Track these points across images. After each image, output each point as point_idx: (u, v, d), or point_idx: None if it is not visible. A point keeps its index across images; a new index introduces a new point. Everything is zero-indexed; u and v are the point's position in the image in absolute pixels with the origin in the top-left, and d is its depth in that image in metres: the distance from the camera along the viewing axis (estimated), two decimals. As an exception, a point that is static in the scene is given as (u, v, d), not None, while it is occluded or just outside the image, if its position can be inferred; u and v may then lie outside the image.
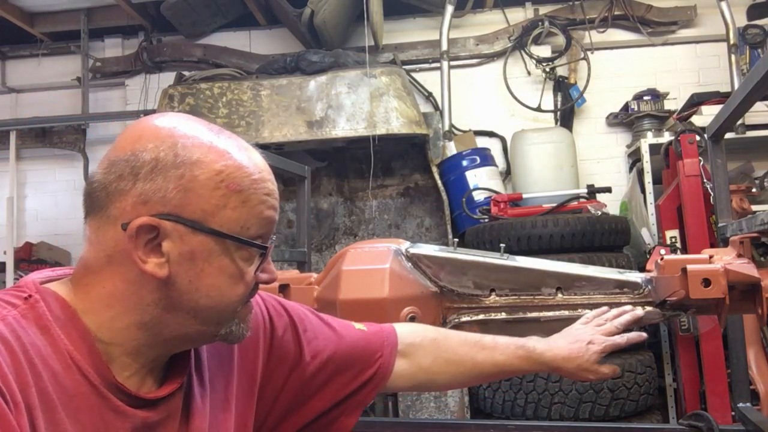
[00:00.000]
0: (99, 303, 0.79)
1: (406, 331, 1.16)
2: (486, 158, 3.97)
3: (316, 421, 1.05)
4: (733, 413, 2.41)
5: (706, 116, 3.51)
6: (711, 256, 1.31)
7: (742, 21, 3.96)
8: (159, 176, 0.77)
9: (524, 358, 1.17)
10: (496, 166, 4.03)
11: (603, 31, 4.24)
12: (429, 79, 4.30)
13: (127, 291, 0.79)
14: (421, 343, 1.15)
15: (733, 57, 3.86)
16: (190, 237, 0.78)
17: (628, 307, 1.31)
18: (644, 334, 1.28)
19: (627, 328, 1.27)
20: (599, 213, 3.26)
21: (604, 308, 1.32)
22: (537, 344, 1.19)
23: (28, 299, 0.77)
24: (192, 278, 0.79)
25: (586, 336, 1.22)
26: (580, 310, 1.38)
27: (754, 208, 3.31)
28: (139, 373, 0.82)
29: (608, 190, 3.50)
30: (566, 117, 4.24)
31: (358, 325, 1.13)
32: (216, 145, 0.81)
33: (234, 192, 0.79)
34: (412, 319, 1.38)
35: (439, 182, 3.90)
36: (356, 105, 3.71)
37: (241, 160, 0.81)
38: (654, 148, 3.67)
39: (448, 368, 1.16)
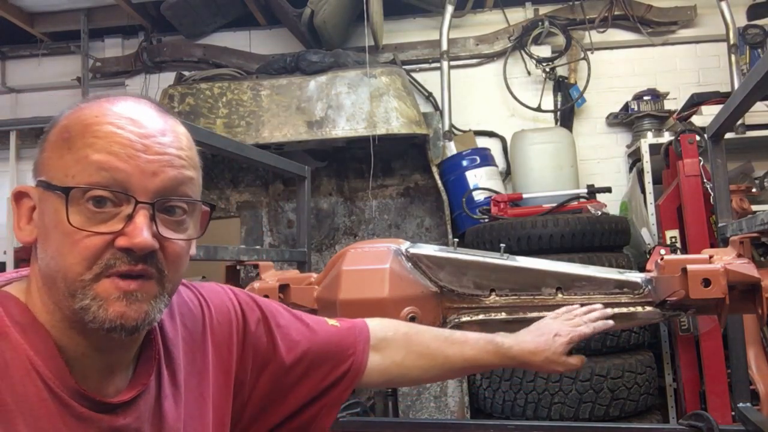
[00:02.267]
0: (36, 295, 0.77)
1: (378, 327, 1.17)
2: (486, 158, 3.97)
3: (293, 419, 1.04)
4: (733, 413, 2.41)
5: (706, 116, 3.51)
6: (711, 256, 1.31)
7: (742, 21, 3.96)
8: (42, 145, 0.78)
9: (493, 352, 1.19)
10: (496, 166, 4.02)
11: (603, 31, 4.24)
12: (429, 79, 4.30)
13: (40, 269, 0.76)
14: (393, 338, 1.16)
15: (733, 57, 3.86)
16: (42, 196, 0.76)
17: (598, 305, 1.32)
18: (610, 322, 1.29)
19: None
20: (599, 213, 3.26)
21: (575, 306, 1.33)
22: (505, 339, 1.21)
23: None
24: (43, 240, 0.75)
25: (553, 329, 1.24)
26: (580, 310, 1.38)
27: (754, 208, 3.31)
28: (103, 376, 0.78)
29: (608, 190, 3.50)
30: (566, 117, 4.24)
31: (331, 321, 1.12)
32: (85, 104, 0.78)
33: (64, 140, 0.75)
34: (412, 320, 1.38)
35: (439, 182, 3.89)
36: (356, 105, 3.71)
37: (90, 109, 0.77)
38: (654, 148, 3.67)
39: (420, 362, 1.17)
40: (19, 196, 0.78)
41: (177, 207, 0.78)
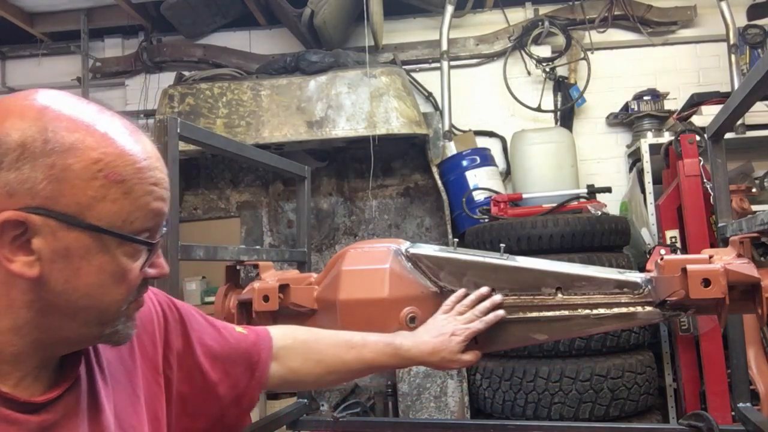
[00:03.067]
0: None
1: (279, 335, 1.19)
2: (486, 158, 3.97)
3: (216, 425, 1.06)
4: (733, 413, 2.41)
5: (706, 116, 3.51)
6: (711, 256, 1.31)
7: (742, 21, 3.96)
8: (26, 165, 0.68)
9: (391, 354, 1.23)
10: (496, 166, 4.02)
11: (603, 31, 4.24)
12: (429, 79, 4.30)
13: (37, 307, 0.72)
14: (292, 346, 1.18)
15: (733, 57, 3.86)
16: (64, 233, 0.70)
17: (485, 290, 1.36)
18: (501, 312, 1.33)
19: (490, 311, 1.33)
20: (599, 213, 3.26)
21: (462, 291, 1.37)
22: (404, 341, 1.25)
23: None
24: (68, 277, 0.72)
25: (449, 328, 1.28)
26: (580, 310, 1.38)
27: (754, 208, 3.31)
28: (26, 379, 0.76)
29: (608, 190, 3.50)
30: (566, 117, 4.24)
31: (239, 328, 1.15)
32: (95, 128, 0.72)
33: (114, 182, 0.71)
34: (412, 320, 1.38)
35: (439, 182, 3.89)
36: (356, 105, 3.71)
37: (124, 145, 0.73)
38: (654, 148, 3.67)
39: (318, 369, 1.20)
40: (10, 226, 0.69)
41: None
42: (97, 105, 0.77)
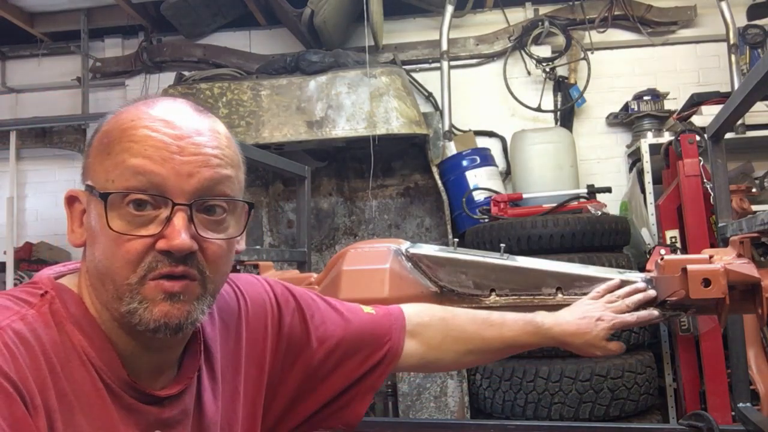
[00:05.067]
0: (86, 291, 0.80)
1: (414, 312, 1.16)
2: (486, 158, 3.97)
3: (327, 407, 1.04)
4: (733, 413, 2.41)
5: (706, 116, 3.51)
6: (711, 256, 1.31)
7: (742, 21, 3.96)
8: (89, 150, 0.80)
9: (532, 333, 1.18)
10: (496, 166, 4.02)
11: (603, 31, 4.24)
12: (429, 79, 4.30)
13: (88, 270, 0.80)
14: (430, 322, 1.15)
15: (733, 57, 3.86)
16: (87, 200, 0.79)
17: (641, 285, 1.30)
18: (655, 312, 1.27)
19: (638, 307, 1.27)
20: (599, 213, 3.26)
21: (616, 281, 1.32)
22: (545, 319, 1.20)
23: (44, 296, 0.76)
24: (90, 243, 0.79)
25: (596, 312, 1.22)
26: (580, 310, 1.38)
27: (754, 208, 3.31)
28: (151, 373, 0.81)
29: (608, 190, 3.50)
30: (566, 117, 4.24)
31: (367, 309, 1.11)
32: (125, 108, 0.80)
33: (104, 146, 0.77)
34: (413, 319, 1.38)
35: (439, 182, 3.89)
36: (356, 105, 3.71)
37: (127, 113, 0.79)
38: (654, 148, 3.67)
39: (457, 346, 1.15)
40: (71, 200, 0.81)
41: (216, 206, 0.79)
42: (165, 99, 0.83)
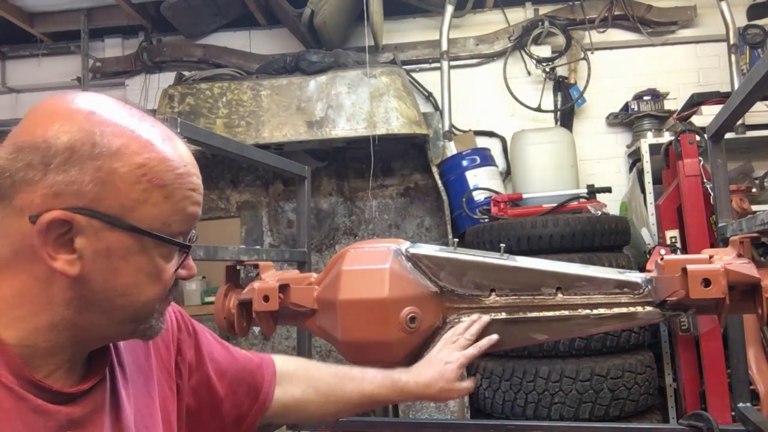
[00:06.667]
0: (4, 303, 0.73)
1: (282, 361, 1.19)
2: (486, 158, 3.97)
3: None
4: (733, 413, 2.41)
5: (706, 116, 3.51)
6: (711, 256, 1.31)
7: (742, 21, 3.96)
8: (74, 167, 0.71)
9: (390, 388, 1.22)
10: (496, 166, 4.02)
11: (603, 31, 4.24)
12: (429, 79, 4.30)
13: (36, 289, 0.73)
14: (294, 372, 1.18)
15: (733, 57, 3.86)
16: (107, 233, 0.73)
17: (475, 316, 1.38)
18: (495, 336, 1.35)
19: (480, 336, 1.35)
20: (599, 213, 3.26)
21: (457, 322, 1.38)
22: (402, 375, 1.25)
23: None
24: (107, 277, 0.74)
25: (443, 357, 1.28)
26: (580, 310, 1.38)
27: (754, 208, 3.31)
28: (58, 372, 0.77)
29: (608, 190, 3.50)
30: (566, 117, 4.24)
31: (243, 351, 1.15)
32: (139, 134, 0.75)
33: (156, 187, 0.75)
34: (412, 320, 1.38)
35: (439, 182, 3.90)
36: (356, 105, 3.71)
37: (165, 151, 0.77)
38: (654, 148, 3.67)
39: (317, 397, 1.18)
40: (56, 225, 0.71)
41: None
42: (138, 110, 0.80)
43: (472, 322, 1.36)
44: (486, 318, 1.37)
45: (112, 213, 0.73)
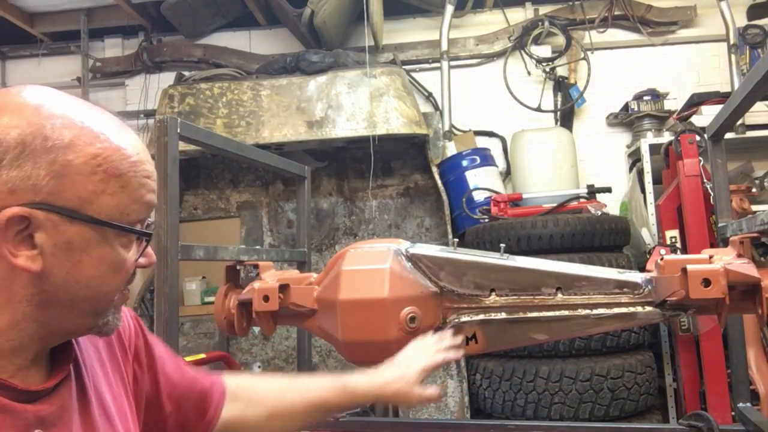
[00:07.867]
0: None
1: (227, 381, 1.17)
2: (486, 158, 3.97)
3: None
4: (733, 413, 2.41)
5: (706, 116, 3.51)
6: (711, 256, 1.31)
7: (742, 21, 3.97)
8: (28, 162, 0.70)
9: (339, 390, 1.20)
10: (496, 166, 4.03)
11: (603, 31, 4.24)
12: (429, 79, 4.30)
13: (39, 293, 0.74)
14: (235, 391, 1.15)
15: (733, 57, 3.87)
16: (66, 226, 0.72)
17: (448, 332, 1.38)
18: (461, 351, 1.36)
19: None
20: (599, 213, 3.26)
21: (427, 335, 1.37)
22: (356, 377, 1.22)
23: None
24: (69, 270, 0.74)
25: (407, 360, 1.27)
26: (580, 310, 1.38)
27: (754, 208, 3.31)
28: (22, 371, 0.76)
29: (608, 190, 3.50)
30: (566, 117, 4.24)
31: (192, 369, 1.13)
32: (89, 125, 0.75)
33: (113, 176, 0.75)
34: (412, 320, 1.38)
35: (439, 182, 3.89)
36: (356, 105, 3.71)
37: (119, 142, 0.76)
38: (654, 148, 3.67)
39: (259, 414, 1.16)
40: (15, 222, 0.70)
41: None
42: (86, 102, 0.79)
43: (441, 338, 1.35)
44: (458, 339, 1.37)
45: (70, 206, 0.72)
